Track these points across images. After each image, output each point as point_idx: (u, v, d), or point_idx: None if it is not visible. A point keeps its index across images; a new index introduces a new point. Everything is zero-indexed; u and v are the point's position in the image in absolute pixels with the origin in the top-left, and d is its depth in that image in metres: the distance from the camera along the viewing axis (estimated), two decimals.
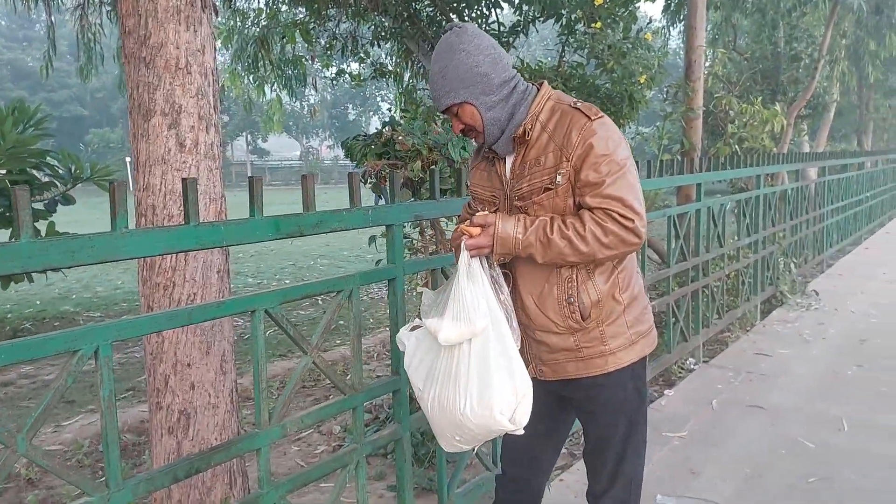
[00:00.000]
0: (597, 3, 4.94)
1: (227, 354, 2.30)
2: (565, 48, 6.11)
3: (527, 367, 1.85)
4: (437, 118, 6.54)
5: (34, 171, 6.46)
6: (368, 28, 7.08)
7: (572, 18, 5.82)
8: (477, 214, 1.75)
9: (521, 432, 1.69)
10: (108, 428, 1.50)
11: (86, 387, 4.73)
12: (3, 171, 6.12)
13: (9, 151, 5.90)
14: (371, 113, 44.38)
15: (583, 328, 1.76)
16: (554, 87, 5.52)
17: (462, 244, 1.71)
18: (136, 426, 3.93)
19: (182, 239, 1.60)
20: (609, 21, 5.39)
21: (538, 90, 1.77)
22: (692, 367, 4.48)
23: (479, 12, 6.64)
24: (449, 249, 3.66)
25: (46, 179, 6.67)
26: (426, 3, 6.69)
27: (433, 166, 3.42)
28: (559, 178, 1.67)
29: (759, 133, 6.64)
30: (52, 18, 6.10)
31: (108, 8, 6.38)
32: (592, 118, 1.67)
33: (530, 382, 1.70)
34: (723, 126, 7.05)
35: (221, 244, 1.70)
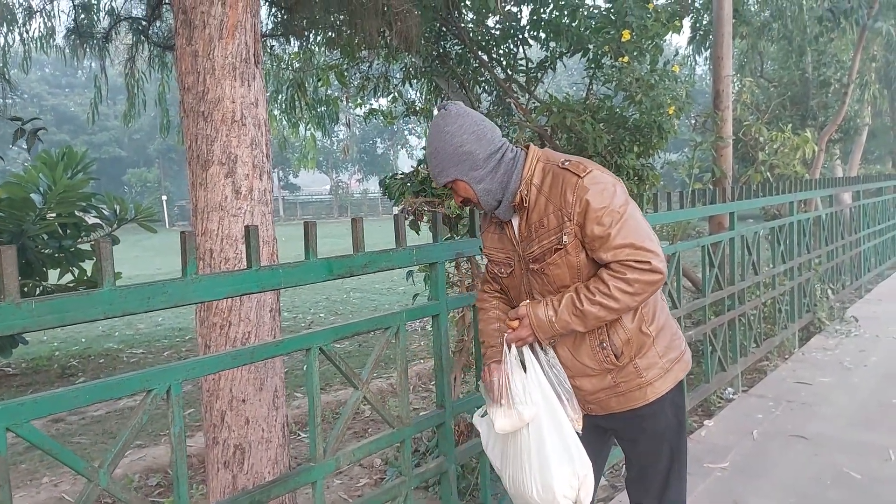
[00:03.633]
0: (624, 39, 5.04)
1: (279, 390, 2.40)
2: (592, 81, 6.22)
3: None
4: None
5: (81, 214, 6.75)
6: (399, 68, 7.30)
7: (599, 53, 5.94)
8: (511, 311, 1.86)
9: None
10: (179, 462, 1.60)
11: None
12: (54, 215, 6.41)
13: (60, 195, 6.18)
14: (399, 147, 45.00)
15: (617, 367, 1.84)
16: (582, 121, 5.55)
17: (505, 339, 1.83)
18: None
19: (245, 282, 1.71)
20: (636, 54, 5.49)
21: (527, 154, 1.84)
22: (731, 396, 4.45)
23: (506, 50, 6.81)
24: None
25: (93, 221, 6.95)
26: (455, 42, 6.88)
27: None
28: (565, 237, 1.73)
29: (791, 160, 6.64)
30: (105, 69, 6.40)
31: (156, 57, 6.68)
32: (582, 175, 1.72)
33: (590, 463, 1.79)
34: (753, 153, 7.05)
35: (280, 286, 1.81)
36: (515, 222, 1.86)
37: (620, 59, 5.41)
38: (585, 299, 1.71)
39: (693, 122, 6.67)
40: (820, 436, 3.73)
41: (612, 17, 5.44)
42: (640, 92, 5.21)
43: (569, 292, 1.75)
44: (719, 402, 4.34)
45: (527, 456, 1.77)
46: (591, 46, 6.04)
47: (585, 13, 5.91)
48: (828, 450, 3.54)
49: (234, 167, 2.26)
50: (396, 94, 7.17)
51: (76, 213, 6.60)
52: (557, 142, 5.92)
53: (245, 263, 2.23)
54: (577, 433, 1.82)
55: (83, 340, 8.12)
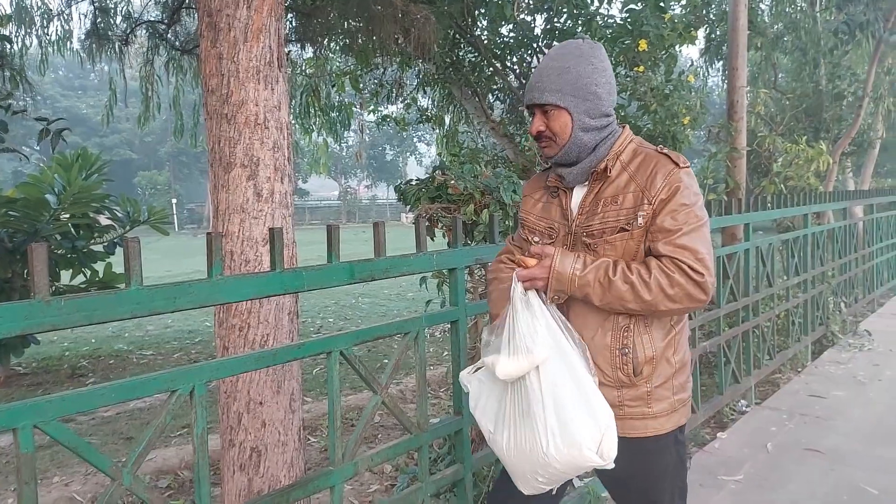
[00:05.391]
0: (641, 49, 5.04)
1: (296, 393, 2.40)
2: None
3: None
4: (480, 159, 6.69)
5: (94, 215, 6.78)
6: (413, 74, 7.33)
7: (613, 62, 5.95)
8: (535, 246, 1.68)
9: (612, 466, 1.57)
10: (201, 463, 1.60)
11: (143, 423, 4.88)
12: (67, 215, 6.44)
13: (74, 196, 6.21)
14: (408, 154, 45.11)
15: (631, 384, 1.66)
16: None
17: (514, 274, 1.64)
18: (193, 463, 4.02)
19: (269, 285, 1.71)
20: (650, 64, 5.50)
21: (622, 131, 1.73)
22: (744, 408, 4.42)
23: (520, 58, 6.83)
24: None
25: (106, 223, 6.98)
26: (469, 49, 6.91)
27: (486, 209, 3.52)
28: (640, 219, 1.60)
29: (805, 172, 6.62)
30: (123, 72, 6.46)
31: (173, 61, 6.73)
32: (681, 165, 1.62)
33: (611, 412, 1.59)
34: (766, 165, 7.04)
35: (303, 289, 1.80)
36: (578, 193, 1.72)
37: (635, 68, 5.42)
38: (620, 272, 1.57)
39: (707, 132, 6.66)
40: (835, 450, 3.69)
41: (629, 27, 5.45)
42: (655, 101, 5.21)
43: (606, 258, 1.61)
44: (732, 415, 4.30)
45: (539, 407, 1.55)
46: None
47: (601, 23, 5.92)
48: (844, 465, 3.51)
49: (256, 170, 2.27)
50: (410, 100, 7.19)
51: (89, 214, 6.63)
52: None
53: (265, 265, 2.24)
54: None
55: (93, 341, 8.15)
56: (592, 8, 6.14)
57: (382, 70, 7.29)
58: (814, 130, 8.66)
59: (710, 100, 16.75)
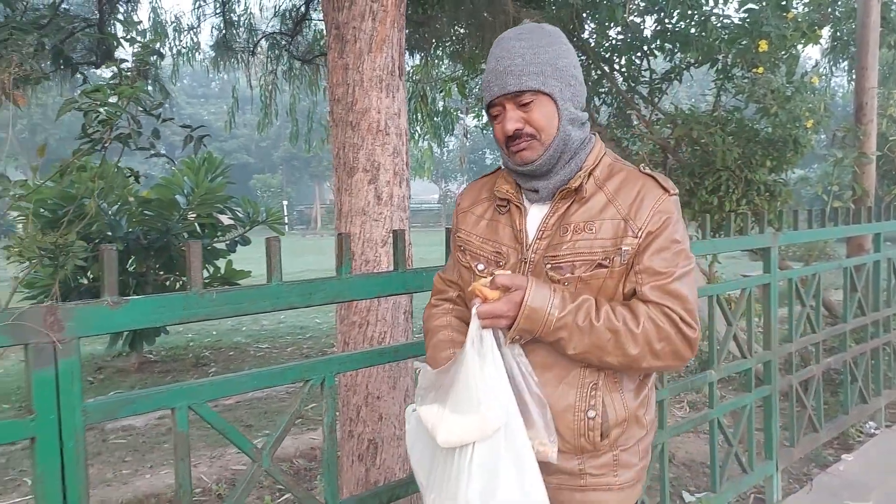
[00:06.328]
0: (761, 50, 4.83)
1: (410, 390, 2.49)
2: (721, 92, 6.00)
3: None
4: None
5: (217, 215, 7.26)
6: None
7: (730, 64, 5.73)
8: (500, 273, 1.32)
9: None
10: (329, 450, 1.70)
11: (260, 412, 5.18)
12: (194, 215, 6.93)
13: (201, 198, 6.68)
14: None
15: (595, 450, 1.37)
16: (710, 133, 5.39)
17: (473, 311, 1.31)
18: (306, 452, 4.23)
19: (392, 284, 1.80)
20: (769, 65, 5.26)
21: (595, 141, 1.43)
22: (872, 430, 4.13)
23: (628, 60, 6.70)
24: None
25: (228, 222, 7.46)
26: (577, 53, 6.86)
27: None
28: (624, 254, 1.31)
29: None
30: (249, 80, 6.89)
31: (296, 71, 7.10)
32: (670, 192, 1.35)
33: (546, 500, 1.27)
34: None
35: (423, 289, 1.88)
36: (537, 211, 1.40)
37: (753, 70, 5.20)
38: (605, 316, 1.28)
39: (832, 136, 6.27)
40: None
41: (747, 27, 5.23)
42: (776, 104, 4.98)
43: (587, 297, 1.30)
44: (859, 437, 4.04)
45: (465, 477, 1.24)
46: (720, 57, 5.84)
47: (717, 23, 5.71)
48: None
49: (377, 174, 2.38)
50: None
51: (213, 214, 7.10)
52: (681, 155, 5.75)
53: (382, 266, 2.34)
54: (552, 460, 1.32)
55: (214, 333, 8.71)
56: (707, 8, 5.93)
57: None
58: None
59: (833, 102, 15.73)
